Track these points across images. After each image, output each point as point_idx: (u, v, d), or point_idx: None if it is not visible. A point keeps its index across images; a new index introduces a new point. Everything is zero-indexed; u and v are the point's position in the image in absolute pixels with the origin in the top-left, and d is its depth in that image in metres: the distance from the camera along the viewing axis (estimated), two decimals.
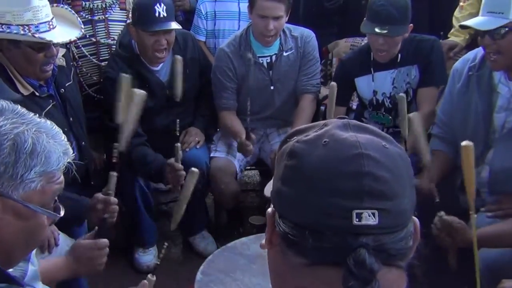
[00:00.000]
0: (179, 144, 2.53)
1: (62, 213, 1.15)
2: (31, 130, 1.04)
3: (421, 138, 2.23)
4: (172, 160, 2.61)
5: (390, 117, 2.92)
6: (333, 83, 2.51)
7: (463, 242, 2.03)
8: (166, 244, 1.96)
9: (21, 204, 1.04)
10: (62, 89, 2.46)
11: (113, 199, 2.15)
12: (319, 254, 0.72)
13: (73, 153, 1.14)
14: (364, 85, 2.89)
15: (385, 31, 2.58)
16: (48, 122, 1.11)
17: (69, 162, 1.12)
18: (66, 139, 1.12)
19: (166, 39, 2.75)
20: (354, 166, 0.71)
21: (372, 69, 2.84)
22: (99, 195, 2.17)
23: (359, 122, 0.79)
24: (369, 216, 0.70)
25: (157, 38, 2.73)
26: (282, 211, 0.76)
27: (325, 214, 0.71)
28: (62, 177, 1.12)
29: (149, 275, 1.67)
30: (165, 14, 2.68)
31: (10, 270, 1.14)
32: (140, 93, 2.19)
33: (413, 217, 0.77)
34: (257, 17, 2.82)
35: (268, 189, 0.75)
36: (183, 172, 2.59)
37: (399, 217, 0.73)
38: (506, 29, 2.07)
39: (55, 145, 1.08)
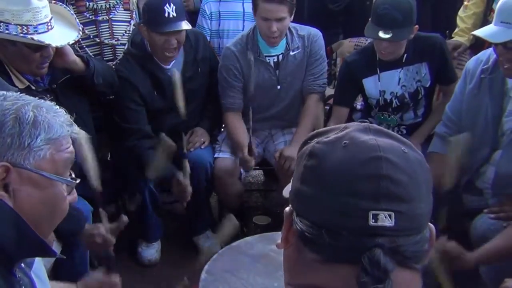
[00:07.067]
0: (186, 160, 2.59)
1: (78, 180, 1.19)
2: (30, 105, 1.11)
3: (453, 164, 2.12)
4: (180, 175, 2.66)
5: (396, 118, 2.91)
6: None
7: (463, 267, 1.98)
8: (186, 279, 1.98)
9: (35, 173, 1.08)
10: (54, 85, 2.44)
11: (111, 240, 2.12)
12: (335, 252, 0.73)
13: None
14: (372, 85, 2.87)
15: (389, 36, 2.54)
16: (48, 101, 1.17)
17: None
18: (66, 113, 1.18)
19: (177, 39, 2.74)
20: (372, 168, 0.72)
21: (378, 69, 2.81)
22: (101, 228, 2.10)
23: (380, 127, 0.80)
24: (385, 217, 0.71)
25: (167, 38, 2.72)
26: (300, 210, 0.78)
27: (342, 214, 0.72)
28: (71, 147, 1.17)
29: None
30: (175, 14, 2.66)
31: None
32: None
33: (429, 224, 0.77)
34: (260, 19, 2.83)
35: (286, 191, 0.77)
36: (190, 188, 2.65)
37: (415, 221, 0.73)
38: None
39: (56, 116, 1.13)
